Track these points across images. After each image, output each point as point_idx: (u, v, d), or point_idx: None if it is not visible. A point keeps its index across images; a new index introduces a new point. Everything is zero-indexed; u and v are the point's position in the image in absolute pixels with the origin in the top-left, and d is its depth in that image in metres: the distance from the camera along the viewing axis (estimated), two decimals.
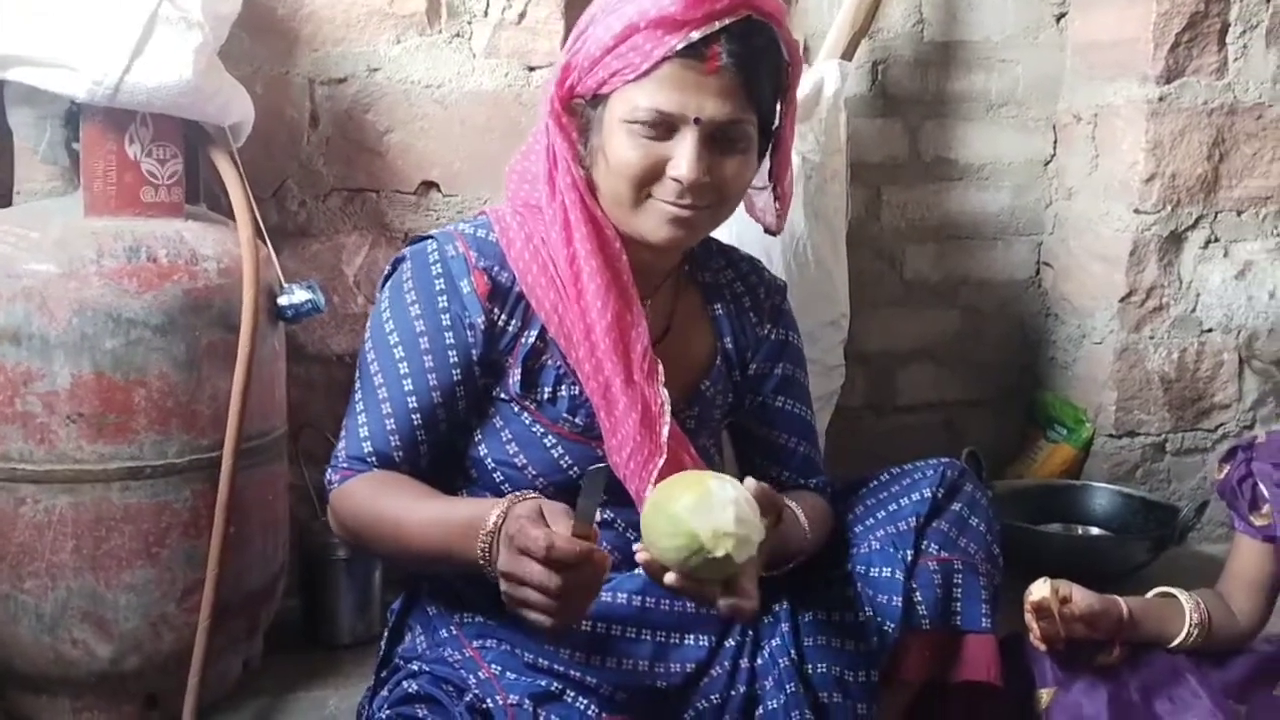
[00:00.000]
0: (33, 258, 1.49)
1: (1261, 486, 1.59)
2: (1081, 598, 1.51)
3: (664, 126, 1.26)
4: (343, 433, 1.37)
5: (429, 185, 2.00)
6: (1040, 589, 1.50)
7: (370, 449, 1.33)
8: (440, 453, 1.39)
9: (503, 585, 1.11)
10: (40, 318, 1.47)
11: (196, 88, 1.53)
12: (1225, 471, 1.65)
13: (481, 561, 1.16)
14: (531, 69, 2.00)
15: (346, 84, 1.94)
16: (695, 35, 1.22)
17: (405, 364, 1.33)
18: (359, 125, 1.95)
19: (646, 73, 1.24)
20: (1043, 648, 1.51)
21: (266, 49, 1.89)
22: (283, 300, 1.64)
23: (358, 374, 1.37)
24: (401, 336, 1.33)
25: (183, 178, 1.62)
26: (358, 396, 1.37)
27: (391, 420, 1.33)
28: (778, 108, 1.35)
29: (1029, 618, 1.51)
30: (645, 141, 1.26)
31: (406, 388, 1.32)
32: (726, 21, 1.23)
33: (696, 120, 1.25)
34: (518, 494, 1.20)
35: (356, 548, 1.41)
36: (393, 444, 1.33)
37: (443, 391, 1.33)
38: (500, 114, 1.99)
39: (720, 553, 1.11)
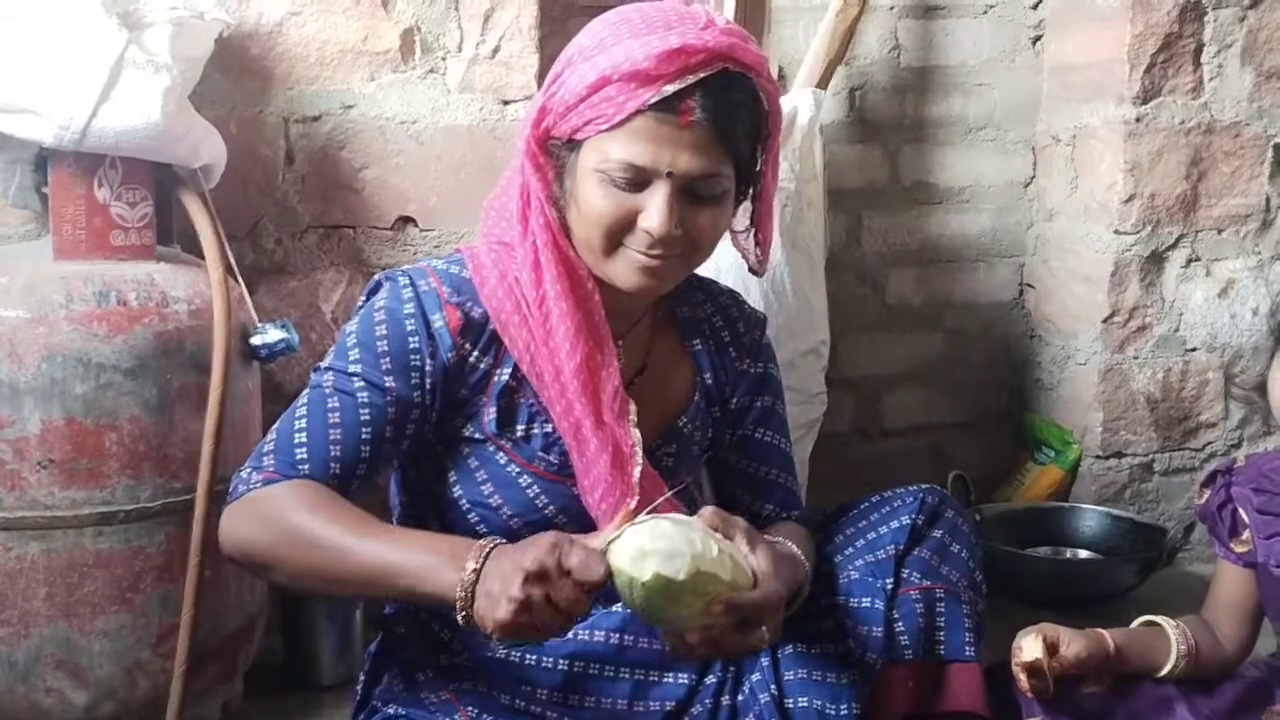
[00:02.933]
0: (1, 303, 1.49)
1: (1241, 512, 1.57)
2: (1068, 644, 1.48)
3: (636, 178, 1.24)
4: (271, 436, 1.28)
5: (406, 220, 2.00)
6: (1032, 649, 1.46)
7: (304, 457, 1.25)
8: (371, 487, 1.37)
9: (514, 589, 1.07)
10: (9, 364, 1.47)
11: (165, 130, 1.53)
12: (1205, 497, 1.63)
13: (460, 594, 1.11)
14: (506, 103, 2.01)
15: (321, 121, 1.94)
16: (668, 89, 1.21)
17: (362, 382, 1.28)
18: (334, 162, 1.95)
19: (619, 124, 1.22)
20: (1030, 696, 1.49)
21: (240, 89, 1.89)
22: (256, 340, 1.63)
23: (307, 389, 1.31)
24: (363, 355, 1.29)
25: (153, 220, 1.62)
26: (301, 406, 1.29)
27: (338, 431, 1.26)
28: (758, 153, 1.33)
29: (1018, 673, 1.48)
30: (617, 192, 1.25)
31: (362, 399, 1.27)
32: (701, 75, 1.22)
33: (669, 174, 1.23)
34: (493, 539, 1.17)
35: (257, 561, 1.24)
36: (331, 456, 1.26)
37: (397, 415, 1.29)
38: (476, 148, 2.00)
39: (647, 575, 1.09)
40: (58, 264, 1.55)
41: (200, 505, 1.52)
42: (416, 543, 1.20)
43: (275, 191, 1.94)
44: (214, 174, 1.70)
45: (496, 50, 1.99)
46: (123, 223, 1.57)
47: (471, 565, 1.12)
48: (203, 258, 1.62)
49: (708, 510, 1.20)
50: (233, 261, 1.65)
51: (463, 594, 1.11)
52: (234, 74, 1.88)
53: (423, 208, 2.00)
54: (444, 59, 1.98)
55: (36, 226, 1.77)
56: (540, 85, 1.95)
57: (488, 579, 1.10)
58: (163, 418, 1.53)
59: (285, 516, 1.21)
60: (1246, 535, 1.56)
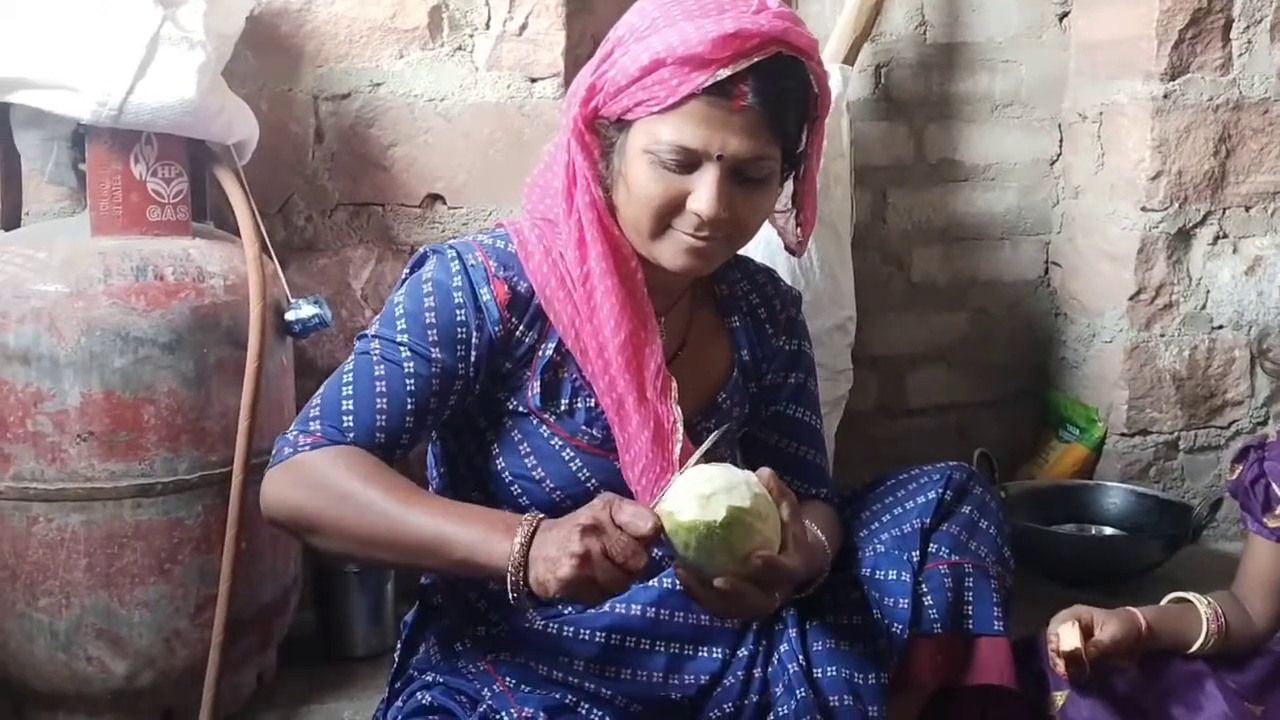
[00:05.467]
0: (41, 278, 1.51)
1: (1275, 486, 1.57)
2: (1102, 627, 1.48)
3: (686, 160, 1.25)
4: (316, 400, 1.28)
5: (434, 198, 2.01)
6: (1070, 637, 1.46)
7: (350, 424, 1.26)
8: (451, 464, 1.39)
9: (574, 545, 1.09)
10: (49, 338, 1.49)
11: (200, 106, 1.54)
12: (1238, 472, 1.63)
13: (512, 567, 1.12)
14: (533, 80, 2.01)
15: (350, 99, 1.95)
16: (723, 74, 1.21)
17: (408, 352, 1.29)
18: (363, 140, 1.96)
19: (671, 107, 1.23)
20: (1067, 680, 1.49)
21: (271, 66, 1.90)
22: (290, 315, 1.65)
23: (353, 353, 1.32)
24: (410, 325, 1.30)
25: (188, 196, 1.63)
26: (348, 370, 1.29)
27: (384, 400, 1.27)
28: (804, 134, 1.34)
29: (1055, 660, 1.48)
30: (666, 174, 1.25)
31: (408, 369, 1.28)
32: (755, 59, 1.22)
33: (719, 156, 1.24)
34: (537, 514, 1.18)
35: (303, 525, 1.24)
36: (378, 424, 1.26)
37: (441, 386, 1.30)
38: (503, 126, 2.00)
39: (722, 513, 1.11)
40: (95, 239, 1.57)
41: (237, 478, 1.54)
42: (469, 515, 1.21)
43: (305, 169, 1.95)
44: (246, 151, 1.71)
45: (524, 27, 1.99)
46: (159, 199, 1.59)
47: (519, 539, 1.13)
48: (236, 234, 1.64)
49: (765, 471, 1.20)
50: (266, 238, 1.66)
51: (514, 568, 1.12)
52: (264, 51, 1.89)
53: (451, 185, 2.01)
54: (471, 36, 1.99)
55: (71, 203, 1.80)
56: (566, 63, 2.00)
57: (543, 546, 1.12)
58: (199, 391, 1.54)
59: (335, 482, 1.21)
60: (1279, 510, 1.57)
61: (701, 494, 1.12)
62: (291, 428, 1.28)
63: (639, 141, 1.26)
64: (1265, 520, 1.59)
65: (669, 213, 1.28)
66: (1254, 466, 1.60)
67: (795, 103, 1.28)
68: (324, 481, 1.22)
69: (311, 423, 1.27)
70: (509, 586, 1.13)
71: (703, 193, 1.25)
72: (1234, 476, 1.64)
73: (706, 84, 1.21)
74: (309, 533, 1.25)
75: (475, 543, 1.16)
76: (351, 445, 1.25)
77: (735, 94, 1.22)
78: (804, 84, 1.28)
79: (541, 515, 1.17)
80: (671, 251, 1.30)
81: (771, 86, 1.24)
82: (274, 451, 1.27)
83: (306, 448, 1.25)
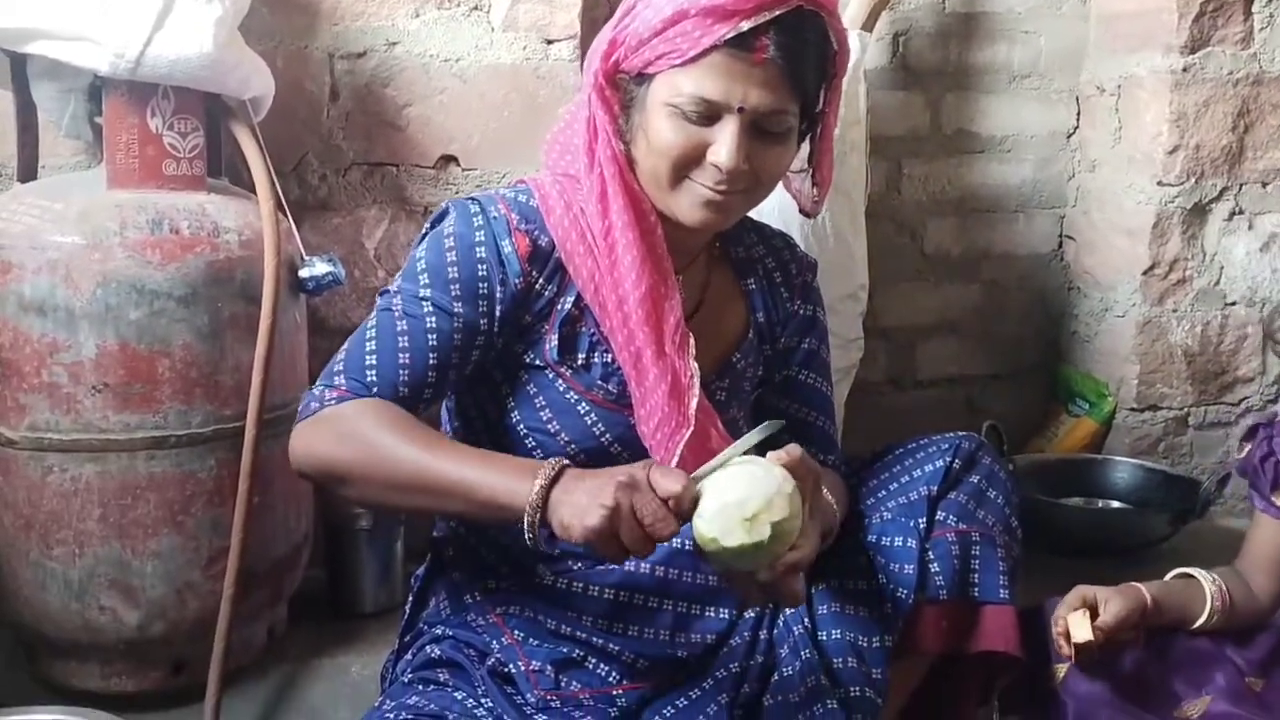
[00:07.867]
0: (57, 230, 1.51)
1: None
2: (1106, 605, 1.49)
3: (707, 112, 1.25)
4: (340, 355, 1.30)
5: (448, 159, 2.01)
6: (1080, 627, 1.47)
7: (374, 378, 1.28)
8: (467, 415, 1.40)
9: (607, 496, 1.09)
10: (65, 289, 1.49)
11: (217, 60, 1.54)
12: (1247, 450, 1.64)
13: (529, 510, 1.13)
14: (550, 42, 2.00)
15: (366, 58, 1.94)
16: (745, 26, 1.22)
17: (430, 306, 1.30)
18: (378, 99, 1.96)
19: (693, 59, 1.23)
20: (1071, 659, 1.49)
21: (287, 23, 1.89)
22: (304, 272, 1.65)
23: (375, 309, 1.33)
24: (432, 279, 1.31)
25: (204, 151, 1.63)
26: (371, 325, 1.31)
27: (406, 355, 1.29)
28: (822, 91, 1.34)
29: (1064, 647, 1.48)
30: (687, 125, 1.26)
31: (429, 325, 1.29)
32: (777, 12, 1.23)
33: (740, 109, 1.24)
34: (562, 459, 1.19)
35: (335, 476, 1.26)
36: (400, 379, 1.28)
37: (463, 341, 1.31)
38: (519, 87, 2.00)
39: (767, 534, 1.12)
40: (111, 192, 1.57)
41: (250, 432, 1.54)
42: (493, 459, 1.22)
43: (320, 128, 1.95)
44: (262, 107, 1.71)
45: None
46: (175, 152, 1.59)
47: (541, 481, 1.14)
48: (251, 191, 1.64)
49: (797, 450, 1.19)
50: (280, 194, 1.66)
51: (531, 509, 1.13)
52: (281, 8, 1.88)
53: (465, 146, 2.00)
54: None
55: (87, 157, 1.80)
56: (583, 25, 1.99)
57: (573, 491, 1.13)
58: (214, 345, 1.55)
59: (362, 433, 1.23)
60: None
61: (744, 517, 1.12)
62: (316, 383, 1.30)
63: (660, 94, 1.27)
64: (1273, 498, 1.59)
65: (688, 164, 1.28)
66: (1263, 444, 1.60)
67: (815, 58, 1.28)
68: (352, 433, 1.24)
69: (336, 377, 1.29)
70: (525, 526, 1.14)
71: (723, 145, 1.25)
72: (1243, 455, 1.65)
73: (729, 35, 1.22)
74: (340, 483, 1.27)
75: (497, 484, 1.17)
76: (375, 398, 1.27)
77: (757, 46, 1.23)
78: (823, 39, 1.29)
79: (567, 461, 1.18)
80: (689, 203, 1.30)
81: (792, 40, 1.24)
82: (300, 407, 1.29)
83: (333, 401, 1.26)
